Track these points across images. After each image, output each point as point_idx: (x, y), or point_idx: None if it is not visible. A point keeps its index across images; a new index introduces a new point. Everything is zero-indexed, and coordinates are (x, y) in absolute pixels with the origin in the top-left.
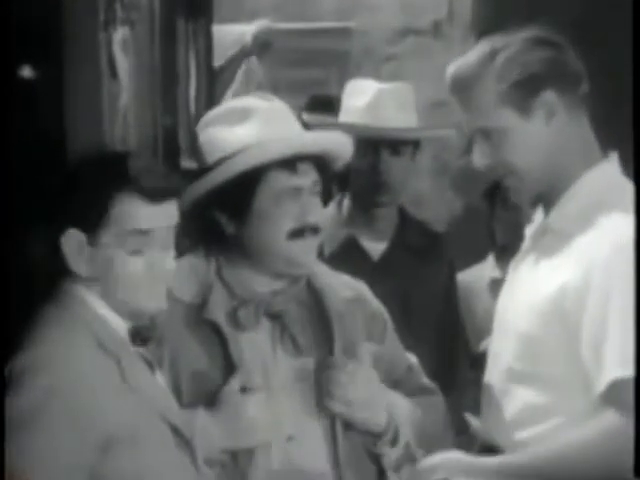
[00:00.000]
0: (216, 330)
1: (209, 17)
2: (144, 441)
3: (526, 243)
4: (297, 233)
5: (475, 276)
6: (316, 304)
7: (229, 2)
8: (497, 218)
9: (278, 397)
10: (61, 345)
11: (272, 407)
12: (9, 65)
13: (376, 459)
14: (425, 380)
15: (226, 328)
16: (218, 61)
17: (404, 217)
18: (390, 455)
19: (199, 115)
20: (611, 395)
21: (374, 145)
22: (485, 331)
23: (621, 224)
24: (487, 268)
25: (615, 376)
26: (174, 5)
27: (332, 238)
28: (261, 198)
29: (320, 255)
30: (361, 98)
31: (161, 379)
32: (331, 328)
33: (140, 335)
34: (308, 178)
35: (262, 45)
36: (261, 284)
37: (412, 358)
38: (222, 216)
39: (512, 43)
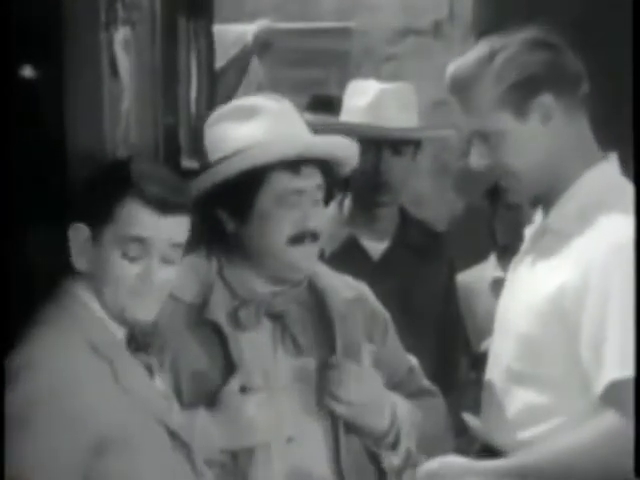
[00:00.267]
0: (217, 330)
1: (210, 17)
2: (138, 444)
3: (526, 243)
4: (297, 239)
5: (476, 276)
6: (317, 304)
7: (230, 2)
8: (498, 218)
9: (278, 397)
10: (53, 345)
11: (272, 407)
12: (9, 65)
13: (377, 461)
14: (426, 382)
15: (227, 328)
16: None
17: (405, 217)
18: (391, 459)
19: (200, 115)
20: (610, 396)
21: (375, 145)
22: (486, 331)
23: (620, 224)
24: (488, 268)
25: (614, 377)
26: (175, 5)
27: (333, 238)
28: (263, 198)
29: (321, 255)
30: (363, 98)
31: (160, 383)
32: (332, 328)
33: (136, 341)
34: (311, 181)
35: (262, 45)
36: (262, 285)
37: (413, 360)
38: (223, 213)
39: (510, 44)
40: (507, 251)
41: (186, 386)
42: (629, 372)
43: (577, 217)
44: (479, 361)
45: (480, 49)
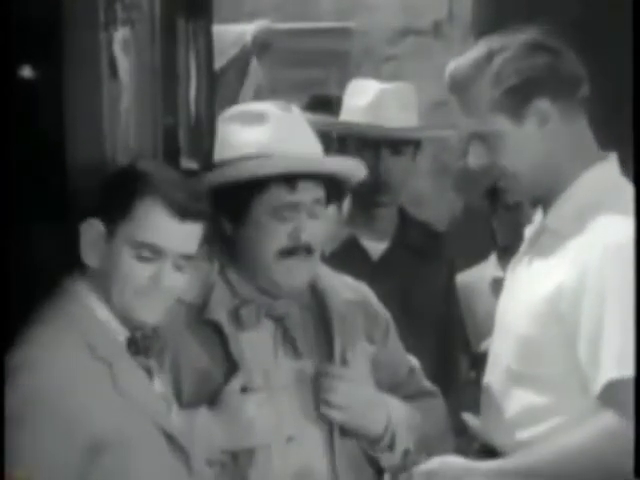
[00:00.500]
0: (217, 330)
1: (209, 17)
2: (135, 446)
3: (524, 243)
4: (289, 252)
5: (476, 276)
6: (318, 305)
7: (229, 2)
8: (498, 218)
9: (278, 397)
10: (51, 345)
11: (273, 408)
12: (9, 65)
13: (374, 462)
14: (426, 383)
15: (227, 327)
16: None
17: (404, 217)
18: (388, 460)
19: (199, 115)
20: (608, 396)
21: (375, 145)
22: (486, 331)
23: (617, 225)
24: (489, 268)
25: (611, 377)
26: (174, 5)
27: (333, 238)
28: (258, 208)
29: (321, 255)
30: (363, 98)
31: (159, 385)
32: (332, 330)
33: (136, 345)
34: (309, 196)
35: (262, 45)
36: (259, 291)
37: (413, 361)
38: (222, 216)
39: (509, 46)
40: (507, 251)
41: (186, 386)
42: (626, 372)
43: (574, 217)
44: (479, 361)
45: (479, 50)
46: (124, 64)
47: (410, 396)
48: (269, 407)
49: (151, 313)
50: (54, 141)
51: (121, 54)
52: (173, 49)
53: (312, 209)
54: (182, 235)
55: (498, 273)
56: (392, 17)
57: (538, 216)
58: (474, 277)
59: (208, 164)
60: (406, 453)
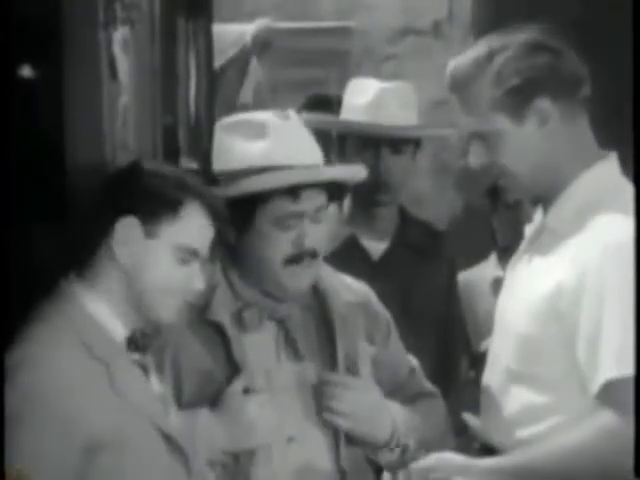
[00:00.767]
0: (219, 331)
1: (209, 17)
2: (132, 446)
3: (524, 242)
4: (294, 259)
5: (477, 275)
6: (319, 306)
7: (229, 2)
8: (498, 217)
9: (280, 399)
10: (48, 344)
11: (274, 409)
12: (8, 65)
13: (375, 461)
14: (427, 384)
15: (230, 329)
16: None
17: (405, 216)
18: (386, 457)
19: (199, 115)
20: (606, 395)
21: (375, 144)
22: (487, 331)
23: (616, 224)
24: (489, 267)
25: (609, 376)
26: (174, 5)
27: (333, 237)
28: (261, 219)
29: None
30: (363, 97)
31: (156, 384)
32: (333, 331)
33: (136, 343)
34: (311, 204)
35: (262, 45)
36: (262, 294)
37: (414, 361)
38: (224, 227)
39: (509, 46)
40: (507, 250)
41: (187, 386)
42: (625, 371)
43: (574, 216)
44: (479, 361)
45: (479, 49)
46: (124, 64)
47: (410, 398)
48: (271, 409)
49: (170, 313)
50: (54, 141)
51: (121, 54)
52: (173, 49)
53: (315, 215)
54: (209, 238)
55: (499, 273)
56: (392, 17)
57: (538, 215)
58: (475, 277)
59: (208, 166)
60: (404, 450)
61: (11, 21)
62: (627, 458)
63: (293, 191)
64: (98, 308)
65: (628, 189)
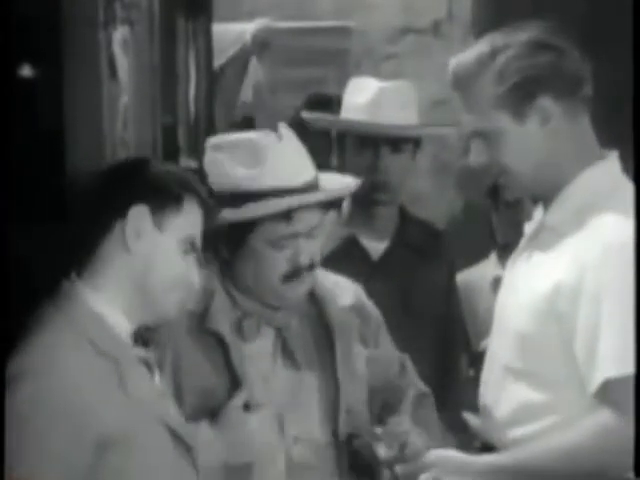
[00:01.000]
0: (219, 340)
1: (209, 16)
2: (140, 443)
3: (523, 240)
4: (292, 275)
5: (477, 275)
6: (318, 314)
7: (228, 1)
8: (498, 216)
9: (278, 406)
10: (52, 350)
11: (274, 425)
12: (8, 64)
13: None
14: (418, 381)
15: (229, 338)
16: (218, 60)
17: (404, 216)
18: (385, 453)
19: (199, 114)
20: (604, 395)
21: (374, 143)
22: (487, 330)
23: (616, 223)
24: (489, 266)
25: (607, 375)
26: (174, 4)
27: (332, 237)
28: (255, 241)
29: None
30: (362, 96)
31: (159, 379)
32: (332, 339)
33: (142, 337)
34: (305, 224)
35: (261, 44)
36: (259, 304)
37: (404, 357)
38: (219, 243)
39: (512, 45)
40: (507, 249)
41: (188, 396)
42: (623, 370)
43: (573, 215)
44: (478, 360)
45: (481, 47)
46: (123, 63)
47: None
48: (271, 424)
49: (174, 307)
50: (54, 141)
51: (120, 53)
52: (172, 48)
53: (309, 233)
54: (200, 233)
55: (498, 272)
56: (392, 16)
57: (538, 213)
58: (475, 276)
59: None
60: (403, 446)
61: (11, 21)
62: (625, 457)
63: (286, 214)
64: (103, 306)
65: (629, 188)
